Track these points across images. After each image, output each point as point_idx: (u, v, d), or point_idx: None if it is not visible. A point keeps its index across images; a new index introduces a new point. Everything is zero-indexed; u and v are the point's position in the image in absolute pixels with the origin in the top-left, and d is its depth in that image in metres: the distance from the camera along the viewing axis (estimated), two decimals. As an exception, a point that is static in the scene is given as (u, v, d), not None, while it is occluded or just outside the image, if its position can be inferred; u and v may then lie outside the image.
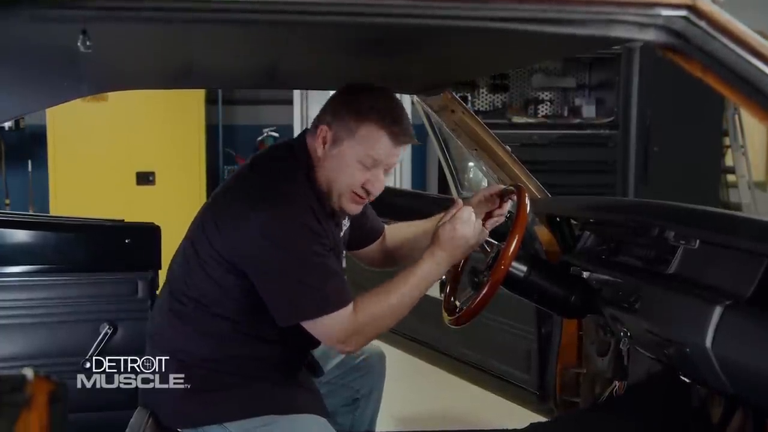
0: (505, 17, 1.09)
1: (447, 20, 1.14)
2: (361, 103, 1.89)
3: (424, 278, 1.88)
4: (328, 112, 1.94)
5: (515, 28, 1.10)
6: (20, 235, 2.46)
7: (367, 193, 1.93)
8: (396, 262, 2.36)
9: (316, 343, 2.07)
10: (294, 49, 1.86)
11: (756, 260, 1.59)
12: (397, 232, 2.37)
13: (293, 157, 1.97)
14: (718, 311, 1.58)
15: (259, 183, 1.91)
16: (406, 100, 6.81)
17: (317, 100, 6.21)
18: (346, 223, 2.13)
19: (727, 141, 7.03)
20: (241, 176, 1.99)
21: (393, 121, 1.88)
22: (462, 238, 1.90)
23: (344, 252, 2.13)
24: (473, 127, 2.47)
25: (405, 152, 1.99)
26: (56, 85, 2.13)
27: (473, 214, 1.93)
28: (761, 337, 1.53)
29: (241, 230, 1.83)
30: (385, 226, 2.38)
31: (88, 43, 1.40)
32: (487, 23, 1.09)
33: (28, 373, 0.76)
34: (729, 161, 7.09)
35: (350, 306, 1.83)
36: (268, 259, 1.82)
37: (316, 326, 1.83)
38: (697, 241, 1.74)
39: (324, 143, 1.92)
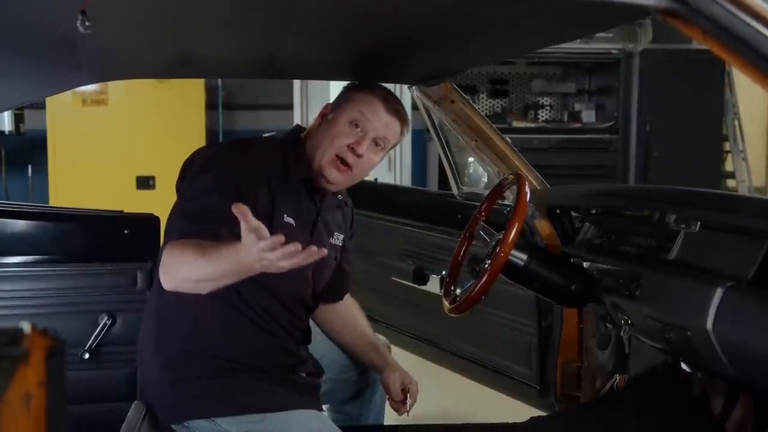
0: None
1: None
2: (362, 83, 2.08)
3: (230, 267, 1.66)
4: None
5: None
6: (19, 225, 2.45)
7: (354, 153, 1.95)
8: (330, 335, 2.31)
9: (307, 340, 2.09)
10: (293, 36, 1.86)
11: (757, 242, 1.59)
12: (348, 313, 2.32)
13: (284, 134, 2.09)
14: (719, 293, 1.58)
15: (229, 139, 2.02)
16: (407, 101, 6.86)
17: (317, 104, 6.24)
18: (338, 236, 2.12)
19: (727, 146, 7.05)
20: None
21: (388, 94, 2.03)
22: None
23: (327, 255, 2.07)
24: (473, 118, 2.48)
25: (397, 138, 2.05)
26: (56, 74, 2.14)
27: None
28: (762, 318, 1.53)
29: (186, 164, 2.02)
30: (344, 305, 2.32)
31: (87, 23, 1.40)
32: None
33: (25, 326, 0.74)
34: (729, 166, 7.11)
35: (171, 243, 1.77)
36: (190, 183, 1.92)
37: None
38: (698, 225, 1.74)
39: (323, 116, 2.04)
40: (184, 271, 1.71)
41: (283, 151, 1.99)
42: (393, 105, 2.01)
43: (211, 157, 1.95)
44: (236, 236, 1.68)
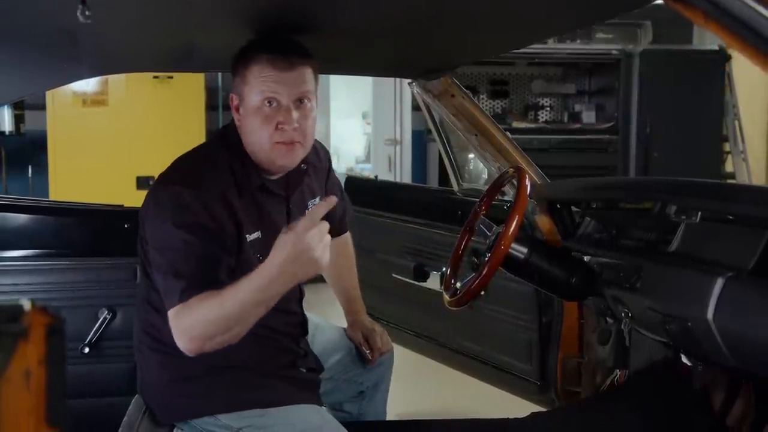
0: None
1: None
2: (244, 50, 1.84)
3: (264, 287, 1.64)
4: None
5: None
6: (20, 220, 2.45)
7: (287, 130, 1.79)
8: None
9: (305, 332, 2.07)
10: (293, 31, 1.86)
11: (758, 232, 1.59)
12: (336, 258, 2.27)
13: (219, 136, 1.96)
14: (719, 283, 1.58)
15: (171, 165, 1.90)
16: (407, 100, 6.86)
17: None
18: (312, 201, 2.05)
19: (727, 147, 7.04)
20: None
21: (271, 49, 1.79)
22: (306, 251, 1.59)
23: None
24: (473, 113, 2.48)
25: (315, 80, 1.85)
26: (56, 67, 2.14)
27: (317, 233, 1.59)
28: (763, 308, 1.53)
29: (143, 209, 1.88)
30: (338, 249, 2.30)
31: (87, 13, 1.40)
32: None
33: (25, 303, 0.74)
34: (729, 167, 7.09)
35: (177, 306, 1.70)
36: (155, 233, 1.81)
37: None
38: (698, 215, 1.74)
39: (237, 110, 1.87)
40: (210, 328, 1.67)
41: (229, 163, 1.86)
42: (283, 60, 1.79)
43: (165, 205, 1.80)
44: (233, 278, 1.71)
